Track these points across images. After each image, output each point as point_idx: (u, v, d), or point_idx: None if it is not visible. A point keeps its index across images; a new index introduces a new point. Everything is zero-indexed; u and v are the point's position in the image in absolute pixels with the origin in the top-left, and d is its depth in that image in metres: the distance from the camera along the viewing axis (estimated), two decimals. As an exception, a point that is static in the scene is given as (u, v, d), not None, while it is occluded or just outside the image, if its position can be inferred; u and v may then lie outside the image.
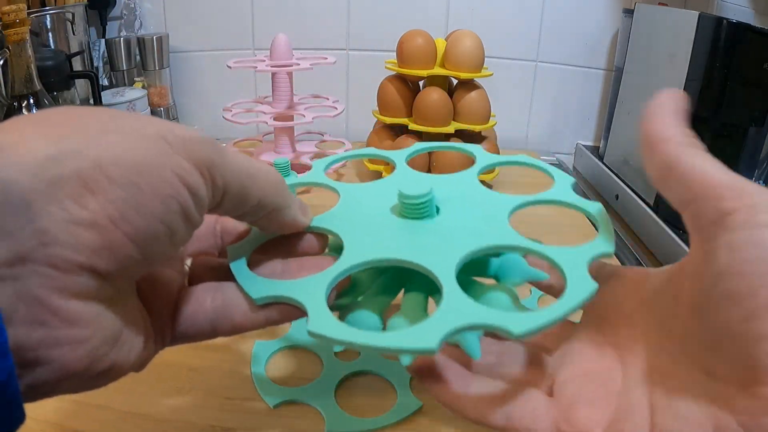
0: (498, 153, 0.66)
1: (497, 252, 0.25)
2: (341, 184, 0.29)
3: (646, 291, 0.23)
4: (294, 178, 0.31)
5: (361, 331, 0.19)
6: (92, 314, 0.16)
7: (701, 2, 0.77)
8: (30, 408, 0.32)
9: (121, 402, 0.33)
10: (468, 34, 0.62)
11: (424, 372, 0.22)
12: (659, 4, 0.73)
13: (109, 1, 0.81)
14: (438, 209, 0.26)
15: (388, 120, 0.64)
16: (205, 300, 0.22)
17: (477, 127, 0.63)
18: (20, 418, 0.15)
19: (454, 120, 0.63)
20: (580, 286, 0.20)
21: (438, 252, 0.22)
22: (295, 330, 0.40)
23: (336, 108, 0.67)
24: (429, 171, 0.63)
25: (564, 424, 0.21)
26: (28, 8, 0.64)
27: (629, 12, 0.75)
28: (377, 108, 0.67)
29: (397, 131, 0.66)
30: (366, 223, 0.25)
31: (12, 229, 0.14)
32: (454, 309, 0.19)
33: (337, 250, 0.23)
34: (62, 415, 0.32)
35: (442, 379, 0.22)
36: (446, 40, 0.64)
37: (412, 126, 0.63)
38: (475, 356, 0.21)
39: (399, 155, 0.32)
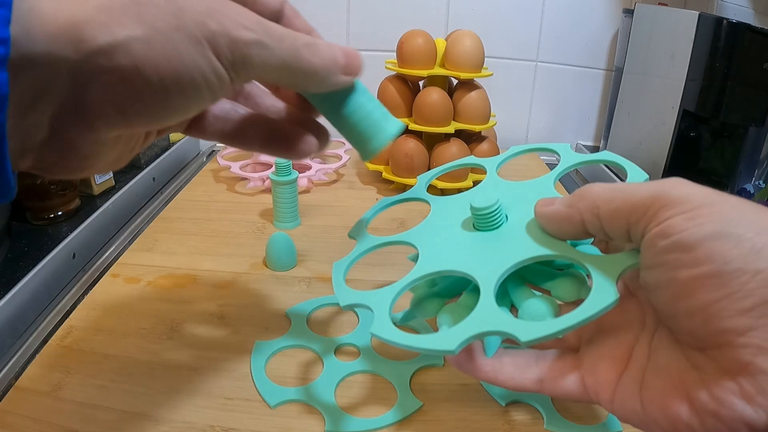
0: (498, 152, 0.66)
1: (554, 261, 0.28)
2: (434, 198, 0.33)
3: None
4: (389, 199, 0.35)
5: (404, 334, 0.23)
6: (99, 149, 0.20)
7: (701, 2, 0.77)
8: (29, 408, 0.32)
9: (121, 402, 0.33)
10: (468, 34, 0.62)
11: (461, 363, 0.24)
12: (659, 4, 0.73)
13: None
14: (507, 217, 0.28)
15: (388, 120, 0.64)
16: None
17: (477, 127, 0.63)
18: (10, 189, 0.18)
19: (454, 120, 0.63)
20: (601, 296, 0.21)
21: (490, 263, 0.25)
22: (295, 330, 0.40)
23: (336, 108, 0.67)
24: (429, 169, 0.63)
25: (589, 377, 0.23)
26: (28, 8, 0.64)
27: (629, 12, 0.75)
28: (377, 108, 0.67)
29: (397, 131, 0.66)
30: (441, 236, 0.29)
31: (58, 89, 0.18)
32: (480, 317, 0.22)
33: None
34: (61, 415, 0.32)
35: (474, 355, 0.24)
36: (446, 40, 0.64)
37: (412, 126, 0.63)
38: (487, 354, 0.24)
39: (491, 162, 0.35)
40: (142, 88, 0.18)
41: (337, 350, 0.38)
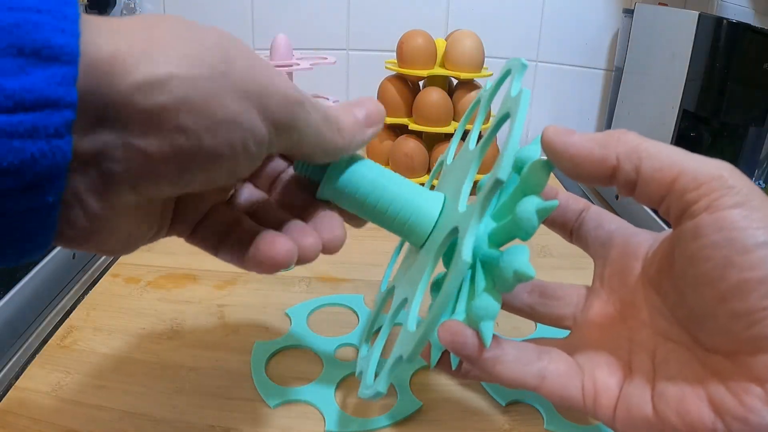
0: (498, 153, 0.66)
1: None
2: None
3: (646, 261, 0.24)
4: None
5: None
6: (111, 217, 0.18)
7: (701, 2, 0.77)
8: (29, 408, 0.32)
9: (121, 402, 0.33)
10: (468, 34, 0.62)
11: (459, 343, 0.22)
12: (659, 4, 0.73)
13: (109, 1, 0.81)
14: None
15: (388, 120, 0.64)
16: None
17: (477, 127, 0.63)
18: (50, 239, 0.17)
19: (454, 120, 0.63)
20: (515, 111, 0.21)
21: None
22: (295, 330, 0.40)
23: (336, 108, 0.67)
24: (429, 171, 0.64)
25: (588, 383, 0.23)
26: (28, 8, 0.64)
27: (629, 12, 0.75)
28: (377, 108, 0.67)
29: (397, 131, 0.66)
30: (406, 273, 0.28)
31: (85, 133, 0.16)
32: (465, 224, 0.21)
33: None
34: (61, 415, 0.32)
35: (478, 346, 0.22)
36: (446, 40, 0.64)
37: (412, 126, 0.63)
38: (486, 344, 0.22)
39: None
40: (174, 136, 0.16)
41: (337, 350, 0.38)
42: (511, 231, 0.22)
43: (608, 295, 0.26)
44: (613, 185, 0.21)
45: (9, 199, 0.14)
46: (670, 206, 0.20)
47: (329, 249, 0.24)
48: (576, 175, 0.21)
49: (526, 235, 0.21)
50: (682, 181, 0.19)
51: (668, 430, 0.20)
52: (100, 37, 0.15)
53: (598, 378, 0.23)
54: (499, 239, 0.24)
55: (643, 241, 0.25)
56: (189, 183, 0.18)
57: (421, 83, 0.67)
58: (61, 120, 0.14)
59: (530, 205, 0.21)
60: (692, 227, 0.19)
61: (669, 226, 0.21)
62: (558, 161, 0.22)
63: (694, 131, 0.65)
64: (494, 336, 0.23)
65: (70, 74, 0.14)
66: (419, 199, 0.25)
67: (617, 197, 0.70)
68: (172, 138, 0.16)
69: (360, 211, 0.26)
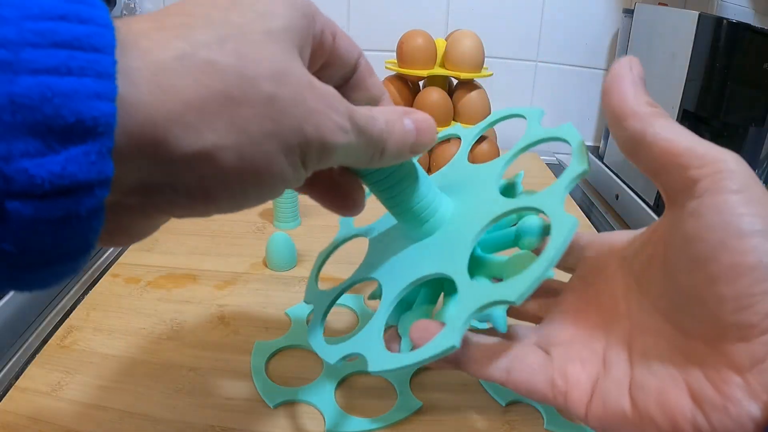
0: (498, 153, 0.66)
1: (507, 219, 0.27)
2: (369, 228, 0.33)
3: (626, 252, 0.24)
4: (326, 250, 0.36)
5: (401, 356, 0.22)
6: (135, 226, 0.18)
7: (701, 2, 0.77)
8: (29, 408, 0.32)
9: (121, 402, 0.33)
10: (468, 34, 0.62)
11: (423, 331, 0.22)
12: (659, 4, 0.73)
13: (108, 1, 0.81)
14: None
15: (388, 120, 0.64)
16: None
17: (477, 127, 0.63)
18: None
19: (454, 120, 0.63)
20: (560, 228, 0.21)
21: (448, 255, 0.24)
22: (295, 330, 0.40)
23: (336, 108, 0.67)
24: (428, 172, 0.64)
25: (559, 379, 0.22)
26: (28, 8, 0.64)
27: (629, 12, 0.75)
28: (377, 108, 0.67)
29: (397, 131, 0.66)
30: (391, 257, 0.28)
31: (123, 195, 0.15)
32: (465, 302, 0.21)
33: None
34: (61, 415, 0.32)
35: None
36: (446, 40, 0.64)
37: (412, 126, 0.63)
38: (502, 330, 0.22)
39: (468, 134, 0.34)
40: (219, 195, 0.17)
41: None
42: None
43: (584, 290, 0.26)
44: (625, 134, 0.21)
45: (38, 268, 0.14)
46: (670, 179, 0.20)
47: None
48: (605, 104, 0.22)
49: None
50: (688, 156, 0.20)
51: (646, 423, 0.20)
52: (139, 91, 0.14)
53: (570, 373, 0.22)
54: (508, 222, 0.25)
55: (618, 239, 0.26)
56: (227, 212, 0.19)
57: (421, 83, 0.67)
58: (95, 202, 0.13)
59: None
60: (694, 207, 0.19)
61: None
62: (607, 100, 0.22)
63: (694, 131, 0.64)
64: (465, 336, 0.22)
65: (106, 147, 0.13)
66: (438, 201, 0.27)
67: (617, 197, 0.70)
68: (214, 197, 0.17)
69: (386, 199, 0.26)
